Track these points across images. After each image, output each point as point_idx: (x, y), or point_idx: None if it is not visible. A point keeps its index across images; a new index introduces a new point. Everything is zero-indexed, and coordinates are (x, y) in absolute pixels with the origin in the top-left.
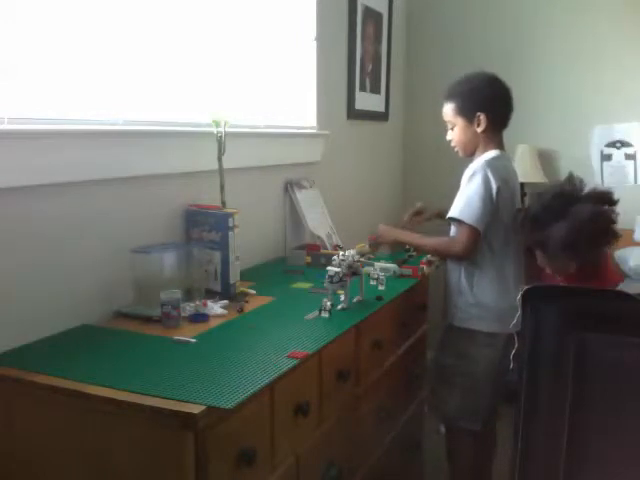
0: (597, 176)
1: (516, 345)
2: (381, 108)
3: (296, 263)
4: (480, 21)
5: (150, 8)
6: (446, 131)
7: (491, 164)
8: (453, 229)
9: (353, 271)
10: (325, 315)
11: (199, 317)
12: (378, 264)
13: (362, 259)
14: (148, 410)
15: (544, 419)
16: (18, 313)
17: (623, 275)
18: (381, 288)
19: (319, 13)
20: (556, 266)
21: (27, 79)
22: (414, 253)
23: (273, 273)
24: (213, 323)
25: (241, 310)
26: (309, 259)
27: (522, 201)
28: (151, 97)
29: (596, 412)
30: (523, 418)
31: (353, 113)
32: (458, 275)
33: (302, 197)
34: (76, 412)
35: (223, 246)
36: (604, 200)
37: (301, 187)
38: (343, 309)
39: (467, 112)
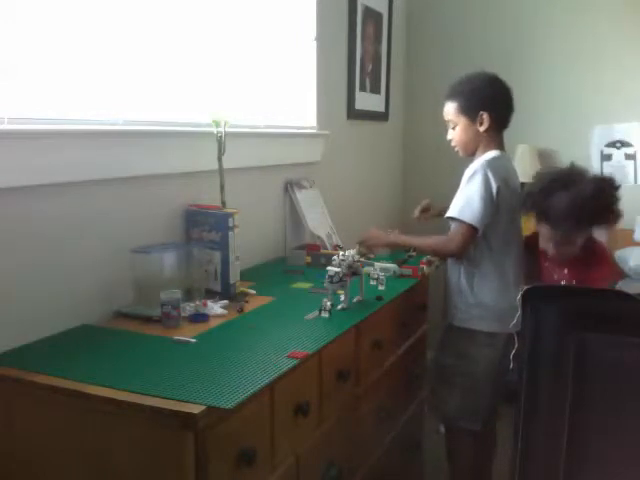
0: None
1: (516, 345)
2: (381, 108)
3: (296, 263)
4: (480, 21)
5: (150, 8)
6: (446, 131)
7: (491, 164)
8: (452, 228)
9: (353, 271)
10: (325, 315)
11: (199, 317)
12: (378, 264)
13: (362, 259)
14: (148, 410)
15: (544, 419)
16: (18, 313)
17: (622, 274)
18: (381, 288)
19: (319, 13)
20: (560, 243)
21: (27, 79)
22: (414, 253)
23: (273, 273)
24: (213, 323)
25: (241, 310)
26: (309, 259)
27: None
28: (151, 97)
29: (596, 412)
30: (523, 418)
31: (353, 113)
32: (458, 275)
33: (302, 197)
34: (76, 412)
35: (223, 246)
36: (606, 181)
37: (301, 187)
38: (343, 309)
39: (470, 111)
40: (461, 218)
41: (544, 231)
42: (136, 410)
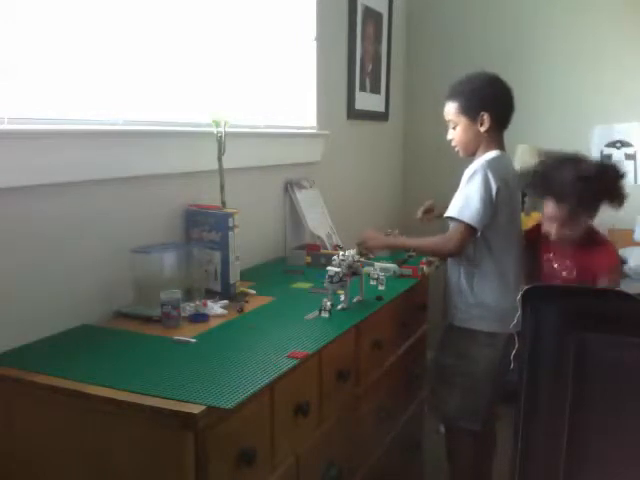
0: None
1: (516, 345)
2: (381, 108)
3: (296, 263)
4: (480, 21)
5: (150, 8)
6: (447, 131)
7: (492, 164)
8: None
9: (353, 271)
10: (325, 315)
11: (199, 317)
12: (378, 264)
13: (362, 259)
14: (148, 410)
15: (544, 419)
16: (18, 313)
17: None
18: (381, 288)
19: (319, 13)
20: (564, 223)
21: (27, 79)
22: (413, 253)
23: (273, 273)
24: (213, 323)
25: (241, 310)
26: (309, 259)
27: (522, 201)
28: (151, 97)
29: (596, 412)
30: (523, 418)
31: (353, 113)
32: (458, 275)
33: (302, 197)
34: (76, 412)
35: (223, 246)
36: (610, 165)
37: (301, 187)
38: (343, 309)
39: (471, 111)
40: (460, 218)
41: (548, 209)
42: (136, 410)
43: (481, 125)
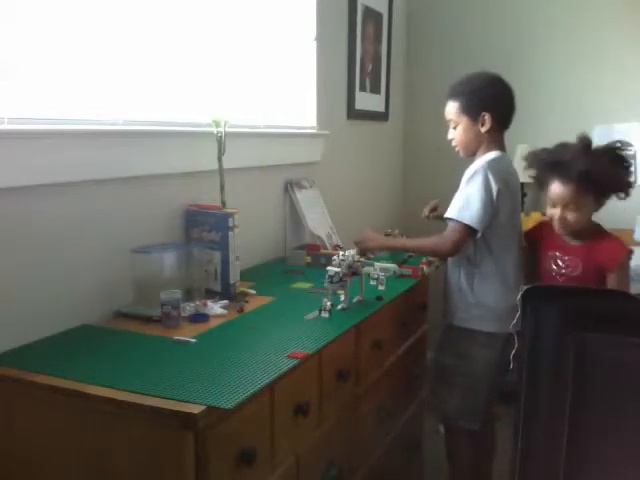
0: None
1: (516, 345)
2: (381, 108)
3: (296, 263)
4: (480, 21)
5: (150, 8)
6: (447, 131)
7: (492, 165)
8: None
9: (353, 271)
10: (325, 315)
11: (199, 317)
12: (378, 264)
13: (362, 259)
14: (148, 410)
15: (544, 419)
16: (18, 313)
17: None
18: (381, 288)
19: (319, 13)
20: (567, 207)
21: (27, 79)
22: (413, 253)
23: (273, 273)
24: (213, 323)
25: (241, 310)
26: (309, 259)
27: (522, 202)
28: (151, 97)
29: (596, 412)
30: (523, 418)
31: (353, 113)
32: (458, 275)
33: (302, 197)
34: (76, 412)
35: (223, 246)
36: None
37: (301, 187)
38: (343, 309)
39: (472, 111)
40: (460, 219)
41: (552, 192)
42: (136, 410)
43: (482, 125)
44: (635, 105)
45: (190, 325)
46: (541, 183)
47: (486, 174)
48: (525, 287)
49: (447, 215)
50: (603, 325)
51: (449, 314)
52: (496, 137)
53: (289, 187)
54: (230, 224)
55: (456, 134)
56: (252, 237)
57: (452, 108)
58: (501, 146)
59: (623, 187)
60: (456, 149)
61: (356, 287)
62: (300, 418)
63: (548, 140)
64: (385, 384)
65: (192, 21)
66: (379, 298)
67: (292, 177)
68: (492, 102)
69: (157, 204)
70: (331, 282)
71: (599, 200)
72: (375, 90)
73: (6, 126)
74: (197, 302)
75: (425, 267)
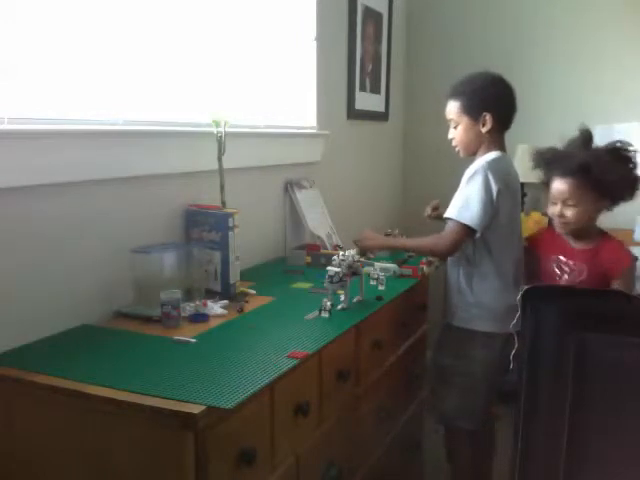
0: None
1: (516, 345)
2: (381, 108)
3: (296, 263)
4: (480, 21)
5: (150, 8)
6: (447, 131)
7: (492, 165)
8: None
9: (353, 271)
10: (325, 315)
11: (199, 317)
12: (378, 264)
13: (362, 259)
14: (148, 410)
15: (544, 419)
16: (18, 313)
17: None
18: (381, 288)
19: (319, 13)
20: (568, 203)
21: (27, 79)
22: (413, 253)
23: (273, 273)
24: (213, 323)
25: (241, 310)
26: (309, 259)
27: (522, 202)
28: (151, 97)
29: (596, 412)
30: (523, 418)
31: (353, 113)
32: (457, 275)
33: (302, 197)
34: (76, 412)
35: (223, 246)
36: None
37: (301, 187)
38: (343, 309)
39: (473, 111)
40: (459, 219)
41: (553, 189)
42: (136, 410)
43: (483, 125)
44: (635, 105)
45: (190, 325)
46: (545, 183)
47: (486, 174)
48: (525, 287)
49: (446, 215)
50: (603, 325)
51: (448, 314)
52: (497, 137)
53: (289, 187)
54: (230, 224)
55: (456, 134)
56: (252, 237)
57: (453, 108)
58: (501, 146)
59: (627, 187)
60: (456, 149)
61: (356, 287)
62: (300, 418)
63: (548, 140)
64: (385, 384)
65: (192, 21)
66: (379, 298)
67: (292, 177)
68: (493, 102)
69: (157, 204)
70: (331, 282)
71: (601, 200)
72: (375, 90)
73: (6, 126)
74: (197, 302)
75: (425, 267)
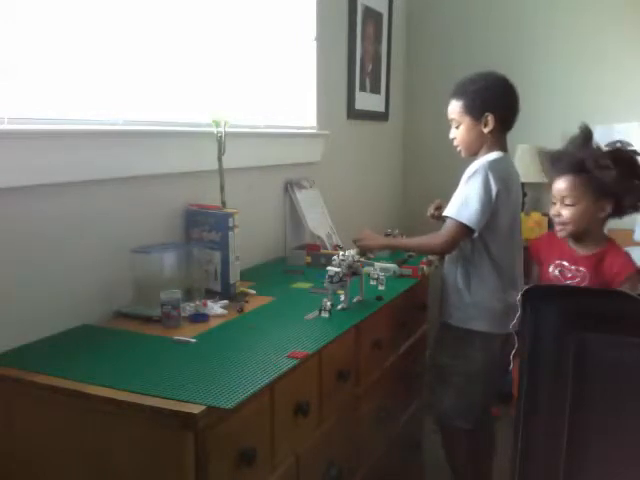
0: None
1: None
2: (381, 108)
3: (296, 263)
4: (480, 21)
5: (150, 8)
6: (447, 131)
7: (493, 166)
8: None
9: (353, 271)
10: (325, 315)
11: (199, 317)
12: (378, 264)
13: (362, 259)
14: (148, 410)
15: (544, 419)
16: (18, 313)
17: None
18: (381, 288)
19: (319, 13)
20: (566, 202)
21: (27, 79)
22: (413, 253)
23: (273, 273)
24: (213, 323)
25: (241, 310)
26: (309, 259)
27: (523, 202)
28: (151, 97)
29: (596, 412)
30: (523, 418)
31: (353, 113)
32: (455, 275)
33: (302, 197)
34: (76, 412)
35: (223, 246)
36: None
37: (301, 187)
38: (343, 309)
39: (475, 111)
40: (458, 218)
41: (553, 188)
42: (136, 410)
43: (485, 126)
44: (635, 105)
45: (190, 325)
46: (549, 184)
47: (487, 174)
48: (525, 287)
49: (445, 213)
50: (603, 325)
51: (446, 313)
52: (498, 138)
53: (289, 187)
54: (230, 224)
55: (458, 134)
56: (252, 237)
57: (455, 107)
58: (503, 147)
59: (630, 190)
60: (457, 149)
61: (356, 287)
62: (300, 418)
63: (548, 140)
64: (385, 384)
65: (192, 21)
66: (379, 298)
67: (292, 177)
68: (496, 103)
69: (157, 204)
70: (331, 282)
71: (601, 201)
72: (375, 90)
73: (6, 126)
74: (197, 302)
75: (425, 267)
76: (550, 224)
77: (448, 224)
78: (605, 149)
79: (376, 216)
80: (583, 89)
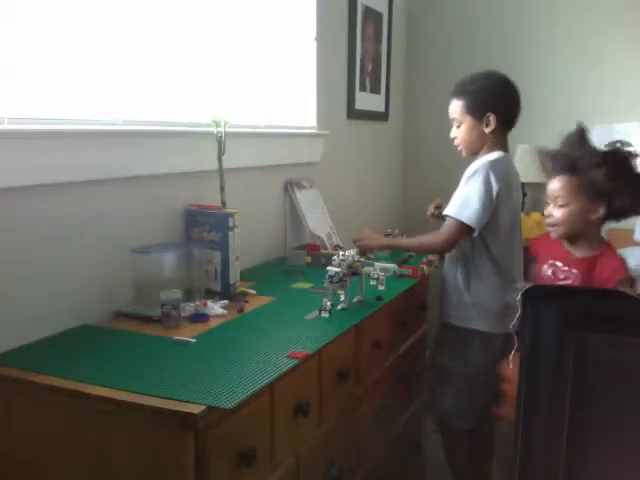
0: None
1: (515, 345)
2: (381, 108)
3: (296, 263)
4: (481, 21)
5: (150, 8)
6: (447, 131)
7: (494, 165)
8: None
9: (353, 271)
10: (325, 315)
11: (199, 317)
12: (378, 264)
13: (362, 259)
14: (148, 410)
15: (544, 419)
16: (18, 313)
17: None
18: (381, 288)
19: (319, 13)
20: (559, 202)
21: (27, 79)
22: (414, 253)
23: (273, 273)
24: (213, 323)
25: (241, 310)
26: (309, 259)
27: (523, 202)
28: (151, 97)
29: (596, 412)
30: (523, 418)
31: (353, 113)
32: (455, 274)
33: (302, 197)
34: (76, 412)
35: (223, 246)
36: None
37: (301, 187)
38: (343, 309)
39: (477, 111)
40: (457, 217)
41: (547, 188)
42: (136, 410)
43: (486, 126)
44: (635, 105)
45: (190, 325)
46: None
47: (487, 173)
48: (525, 287)
49: (445, 212)
50: (603, 325)
51: (445, 313)
52: (500, 138)
53: (289, 187)
54: (230, 224)
55: (459, 133)
56: (252, 237)
57: (456, 107)
58: (504, 147)
59: (624, 192)
60: (458, 148)
61: (356, 287)
62: (300, 418)
63: (548, 140)
64: (385, 384)
65: (192, 21)
66: (379, 298)
67: (292, 177)
68: (497, 103)
69: (157, 204)
70: (331, 282)
71: (594, 203)
72: (375, 90)
73: (6, 126)
74: (197, 302)
75: (425, 267)
76: None
77: (448, 223)
78: (600, 147)
79: (376, 216)
80: (583, 89)
